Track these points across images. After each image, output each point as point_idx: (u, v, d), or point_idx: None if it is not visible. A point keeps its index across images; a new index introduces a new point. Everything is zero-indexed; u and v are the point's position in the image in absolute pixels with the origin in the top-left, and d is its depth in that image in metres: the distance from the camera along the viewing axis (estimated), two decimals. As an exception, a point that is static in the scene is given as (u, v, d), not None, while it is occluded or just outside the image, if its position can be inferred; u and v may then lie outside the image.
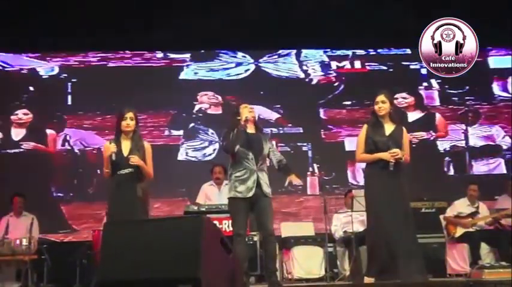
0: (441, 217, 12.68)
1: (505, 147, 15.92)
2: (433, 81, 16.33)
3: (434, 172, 15.67)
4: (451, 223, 12.68)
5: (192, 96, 15.78)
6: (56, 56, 15.45)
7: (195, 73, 15.80)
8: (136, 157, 9.21)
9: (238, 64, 15.97)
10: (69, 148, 15.08)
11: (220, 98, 15.65)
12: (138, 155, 9.27)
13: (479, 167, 15.72)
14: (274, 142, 9.25)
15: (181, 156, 15.32)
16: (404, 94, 16.21)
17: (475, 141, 15.91)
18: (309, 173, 15.22)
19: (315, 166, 15.25)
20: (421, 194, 12.90)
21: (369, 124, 9.24)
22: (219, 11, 14.45)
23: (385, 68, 16.43)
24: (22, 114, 15.17)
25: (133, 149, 9.29)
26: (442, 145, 15.87)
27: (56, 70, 15.34)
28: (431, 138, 15.82)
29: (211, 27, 14.70)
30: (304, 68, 16.21)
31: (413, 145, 14.63)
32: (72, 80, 15.42)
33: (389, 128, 9.13)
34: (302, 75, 16.13)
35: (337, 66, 16.29)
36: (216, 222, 10.19)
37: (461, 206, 12.93)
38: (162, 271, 6.05)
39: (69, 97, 15.40)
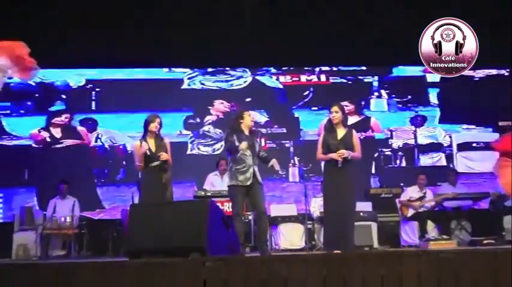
0: (396, 200, 12.71)
1: (445, 144, 15.63)
2: (383, 92, 15.91)
3: (392, 165, 15.45)
4: (404, 205, 12.77)
5: (201, 102, 15.42)
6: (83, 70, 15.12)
7: (202, 83, 15.41)
8: (165, 154, 9.36)
9: (239, 77, 15.54)
10: (100, 144, 15.01)
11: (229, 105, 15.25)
12: (163, 150, 9.41)
13: (425, 160, 15.53)
14: (261, 139, 9.19)
15: (191, 151, 15.06)
16: (346, 103, 15.04)
17: (422, 139, 15.63)
18: (290, 164, 15.05)
19: (296, 158, 15.03)
20: (380, 182, 12.96)
21: (325, 129, 9.31)
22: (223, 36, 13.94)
23: (344, 81, 15.88)
24: (60, 117, 15.02)
25: (158, 147, 9.41)
26: (396, 143, 15.58)
27: (83, 82, 15.16)
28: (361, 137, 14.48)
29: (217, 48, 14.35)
30: (282, 80, 15.80)
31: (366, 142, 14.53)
32: (96, 89, 15.22)
33: (341, 132, 9.15)
34: (281, 86, 15.74)
35: (306, 79, 15.83)
36: (218, 204, 10.22)
37: (412, 191, 13.02)
38: (176, 242, 6.23)
39: (93, 103, 15.16)
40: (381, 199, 12.37)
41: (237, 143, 8.89)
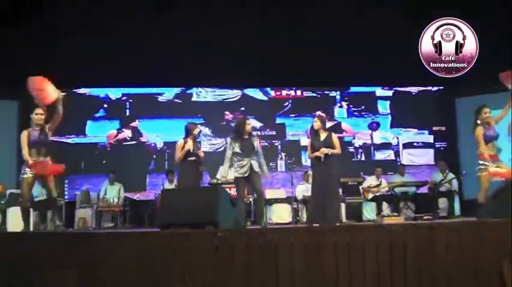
0: (360, 187, 12.64)
1: (394, 143, 15.40)
2: (343, 103, 15.55)
3: (354, 159, 15.38)
4: (365, 190, 12.66)
5: (208, 112, 15.30)
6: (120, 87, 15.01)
7: (204, 97, 15.33)
8: (202, 152, 9.61)
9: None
10: (140, 142, 14.94)
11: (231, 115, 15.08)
12: (199, 149, 9.60)
13: (379, 156, 15.36)
14: (257, 140, 9.09)
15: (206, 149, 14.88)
16: (319, 112, 13.65)
17: (377, 140, 15.42)
18: (278, 158, 14.90)
19: (282, 154, 14.82)
20: (348, 173, 12.92)
21: (311, 134, 9.22)
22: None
23: (314, 94, 15.52)
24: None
25: (195, 146, 9.50)
26: (358, 143, 15.36)
27: (120, 95, 15.14)
28: (344, 136, 15.12)
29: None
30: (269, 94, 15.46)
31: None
32: (130, 100, 15.07)
33: (323, 135, 8.86)
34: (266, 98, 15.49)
35: (286, 93, 15.44)
36: (227, 189, 10.29)
37: (371, 180, 12.96)
38: (196, 217, 6.23)
39: (127, 111, 15.01)
40: (348, 186, 12.27)
41: (234, 150, 8.82)
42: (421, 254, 5.65)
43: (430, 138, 15.50)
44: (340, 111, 15.59)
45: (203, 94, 15.37)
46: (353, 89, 15.75)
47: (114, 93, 15.01)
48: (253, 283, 5.57)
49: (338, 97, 15.68)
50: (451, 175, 12.96)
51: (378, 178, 13.00)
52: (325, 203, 8.63)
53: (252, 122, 14.54)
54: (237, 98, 15.38)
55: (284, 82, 15.44)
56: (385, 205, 12.58)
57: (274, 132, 15.28)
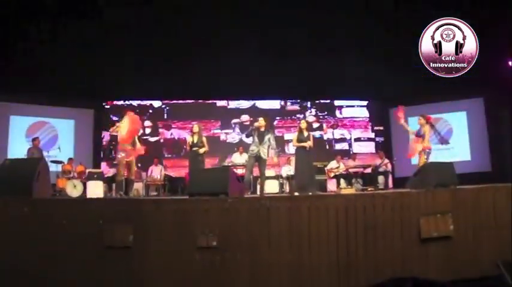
0: (325, 168, 12.55)
1: (348, 138, 15.25)
2: (313, 110, 15.28)
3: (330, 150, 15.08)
4: (329, 171, 12.60)
5: (228, 115, 15.19)
6: (159, 99, 14.90)
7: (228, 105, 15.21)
8: (204, 149, 9.58)
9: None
10: (173, 137, 14.97)
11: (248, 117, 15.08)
12: (202, 142, 9.57)
13: (339, 146, 15.16)
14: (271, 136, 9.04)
15: (222, 137, 14.86)
16: (311, 116, 15.14)
17: (336, 136, 15.19)
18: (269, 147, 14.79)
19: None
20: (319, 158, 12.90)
21: (298, 132, 9.14)
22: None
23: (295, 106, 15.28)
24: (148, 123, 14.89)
25: (199, 140, 9.57)
26: (326, 137, 15.08)
27: (160, 104, 15.02)
28: (322, 134, 14.98)
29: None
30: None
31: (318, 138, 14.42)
32: (167, 107, 15.03)
33: (306, 133, 9.03)
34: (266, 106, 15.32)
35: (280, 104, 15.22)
36: (234, 169, 10.28)
37: (333, 163, 12.89)
38: (213, 188, 6.20)
39: (165, 115, 14.98)
40: (318, 168, 12.06)
41: (252, 136, 8.72)
42: (366, 214, 5.67)
43: (372, 135, 15.50)
44: (310, 117, 15.43)
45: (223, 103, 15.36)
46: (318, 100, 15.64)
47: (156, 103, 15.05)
48: (252, 233, 5.58)
49: (309, 104, 15.55)
50: (386, 160, 13.01)
51: (337, 162, 12.95)
52: (309, 177, 8.90)
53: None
54: (248, 106, 15.34)
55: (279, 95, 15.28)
56: (342, 181, 12.55)
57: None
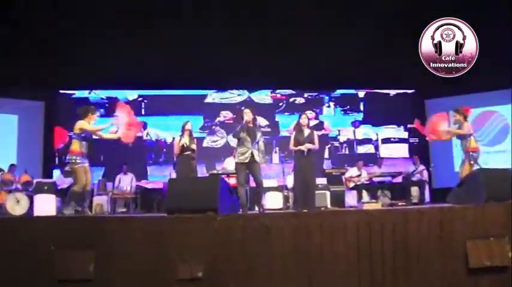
0: (343, 177, 12.56)
1: (374, 139, 15.39)
2: (331, 104, 15.52)
3: (339, 152, 15.38)
4: (347, 180, 12.62)
5: (212, 112, 15.33)
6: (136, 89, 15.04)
7: (213, 99, 15.29)
8: (194, 145, 9.68)
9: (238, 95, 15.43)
10: (149, 138, 14.97)
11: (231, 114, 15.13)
12: (194, 144, 9.66)
13: (361, 150, 15.36)
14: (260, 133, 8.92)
15: (205, 144, 14.96)
16: (310, 111, 14.76)
17: (359, 136, 15.47)
18: (273, 152, 14.87)
19: (277, 148, 14.79)
20: (333, 165, 12.87)
21: (296, 130, 9.13)
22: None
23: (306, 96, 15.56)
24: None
25: (191, 141, 9.63)
26: (342, 138, 15.41)
27: (135, 95, 15.05)
28: (324, 133, 15.16)
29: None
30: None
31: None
32: (145, 101, 15.08)
33: (306, 132, 8.97)
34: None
35: (280, 94, 15.38)
36: (226, 179, 10.28)
37: (353, 171, 12.91)
38: (198, 203, 6.19)
39: (143, 110, 15.03)
40: (332, 176, 12.17)
41: (241, 134, 8.51)
42: (395, 235, 5.65)
43: (405, 135, 15.54)
44: (327, 111, 15.63)
45: (211, 97, 15.43)
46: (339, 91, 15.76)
47: (131, 94, 15.09)
48: (248, 261, 5.56)
49: (327, 98, 15.67)
50: (421, 167, 13.03)
51: (359, 169, 13.00)
52: (306, 192, 8.82)
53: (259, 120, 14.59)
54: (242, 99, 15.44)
55: (281, 84, 15.43)
56: (364, 193, 12.55)
57: (269, 129, 15.11)
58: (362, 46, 13.20)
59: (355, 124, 15.52)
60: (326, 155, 15.31)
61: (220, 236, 5.61)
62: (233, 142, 10.10)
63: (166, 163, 14.44)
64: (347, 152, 15.41)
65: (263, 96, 15.55)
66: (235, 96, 15.43)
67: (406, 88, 15.48)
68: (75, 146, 8.24)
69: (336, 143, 15.50)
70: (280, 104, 15.53)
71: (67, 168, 8.47)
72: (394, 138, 15.55)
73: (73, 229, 5.80)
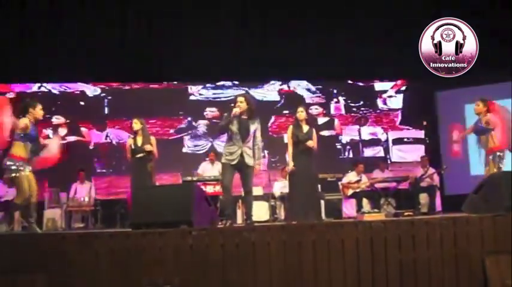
0: (339, 183, 12.55)
1: (383, 139, 15.35)
2: (340, 98, 15.40)
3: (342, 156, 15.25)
4: (345, 186, 12.61)
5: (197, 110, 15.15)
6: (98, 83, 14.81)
7: (200, 94, 15.17)
8: (149, 146, 9.53)
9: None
10: (109, 141, 14.90)
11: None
12: (148, 145, 9.53)
13: (368, 153, 15.29)
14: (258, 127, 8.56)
15: (185, 149, 14.84)
16: (316, 106, 15.30)
17: (365, 136, 15.38)
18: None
19: (265, 151, 13.93)
20: (328, 169, 12.83)
21: (294, 125, 9.00)
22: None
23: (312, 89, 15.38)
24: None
25: (143, 142, 9.58)
26: (345, 139, 15.29)
27: (97, 91, 14.81)
28: (334, 134, 15.19)
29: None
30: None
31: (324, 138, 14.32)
32: (109, 97, 14.87)
33: (305, 128, 8.90)
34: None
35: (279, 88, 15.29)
36: (202, 187, 10.27)
37: (351, 176, 12.89)
38: (169, 216, 6.21)
39: (106, 108, 14.86)
40: (327, 182, 12.12)
41: (230, 127, 8.09)
42: (402, 250, 5.68)
43: (421, 134, 15.50)
44: (336, 107, 15.48)
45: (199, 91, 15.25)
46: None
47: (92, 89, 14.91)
48: (230, 282, 5.57)
49: (335, 91, 15.63)
50: (431, 170, 13.04)
51: (358, 174, 12.97)
52: (306, 200, 8.69)
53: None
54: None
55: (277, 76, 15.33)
56: (365, 201, 12.62)
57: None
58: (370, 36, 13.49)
59: (361, 121, 15.43)
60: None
61: (196, 255, 5.64)
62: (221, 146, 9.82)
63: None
64: (351, 155, 15.36)
65: (265, 91, 15.47)
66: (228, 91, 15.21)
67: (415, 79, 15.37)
68: (17, 149, 7.94)
69: (338, 145, 15.41)
70: (278, 99, 15.45)
71: (6, 176, 8.02)
72: (408, 138, 15.49)
73: (20, 249, 5.77)
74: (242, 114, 8.14)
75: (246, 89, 15.00)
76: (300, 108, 9.12)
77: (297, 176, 8.86)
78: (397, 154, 15.30)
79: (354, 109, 15.53)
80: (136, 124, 9.74)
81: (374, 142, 15.42)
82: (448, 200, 12.98)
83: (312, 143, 8.79)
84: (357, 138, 15.31)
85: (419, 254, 5.70)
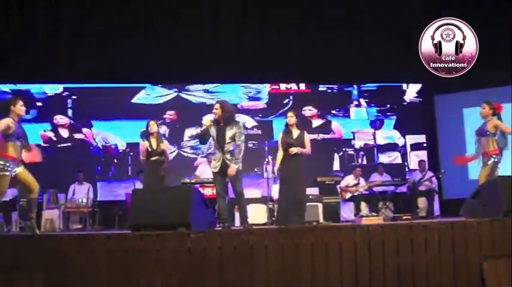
0: (337, 186, 12.50)
1: (400, 144, 14.80)
2: (362, 101, 14.88)
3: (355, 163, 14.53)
4: (343, 190, 12.61)
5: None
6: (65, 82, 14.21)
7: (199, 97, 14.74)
8: (164, 144, 9.49)
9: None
10: (95, 144, 14.45)
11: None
12: (161, 147, 9.40)
13: (384, 159, 14.61)
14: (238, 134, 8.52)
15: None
16: (310, 107, 14.68)
17: (380, 140, 14.83)
18: (265, 162, 12.88)
19: (269, 157, 12.84)
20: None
21: (283, 131, 8.89)
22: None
23: (324, 89, 14.88)
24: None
25: (157, 144, 9.40)
26: (358, 144, 14.76)
27: (59, 89, 14.27)
28: (319, 138, 14.48)
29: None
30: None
31: (321, 141, 14.38)
32: (73, 96, 14.33)
33: (295, 133, 8.74)
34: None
35: (286, 87, 14.76)
36: (200, 189, 10.26)
37: (349, 179, 12.88)
38: (168, 218, 6.22)
39: (69, 109, 14.28)
40: (326, 186, 12.14)
41: (207, 137, 8.24)
42: (400, 254, 5.69)
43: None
44: (357, 111, 15.01)
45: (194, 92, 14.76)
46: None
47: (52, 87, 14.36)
48: (227, 284, 5.57)
49: (356, 92, 15.19)
50: (429, 173, 13.05)
51: (355, 178, 12.95)
52: (293, 203, 8.57)
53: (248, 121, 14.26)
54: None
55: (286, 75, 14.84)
56: (363, 204, 12.55)
57: (260, 132, 14.67)
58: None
59: (376, 124, 14.99)
60: (336, 166, 14.74)
61: (194, 257, 5.64)
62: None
63: (117, 180, 14.17)
64: (364, 161, 14.90)
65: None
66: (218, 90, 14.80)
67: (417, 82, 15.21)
68: (7, 148, 7.40)
69: (350, 151, 14.97)
70: (285, 101, 14.89)
71: None
72: (427, 142, 14.95)
73: (19, 249, 5.77)
74: (219, 121, 8.22)
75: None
76: (290, 113, 9.01)
77: (286, 181, 8.81)
78: (416, 160, 14.52)
79: (379, 114, 15.09)
80: (154, 126, 9.60)
81: (390, 147, 15.01)
82: (446, 204, 13.00)
83: (295, 150, 8.64)
84: (372, 143, 14.91)
85: (417, 258, 5.71)
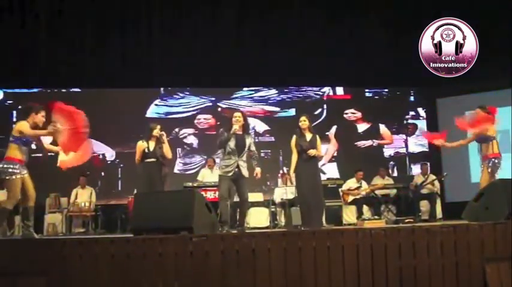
0: (339, 190, 12.54)
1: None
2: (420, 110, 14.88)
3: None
4: (345, 193, 12.60)
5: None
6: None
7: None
8: (166, 146, 9.39)
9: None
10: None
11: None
12: (160, 151, 9.35)
13: (417, 171, 14.16)
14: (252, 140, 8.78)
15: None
16: (353, 109, 14.75)
17: (413, 148, 14.62)
18: (279, 175, 13.49)
19: (285, 169, 13.25)
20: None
21: (297, 135, 8.98)
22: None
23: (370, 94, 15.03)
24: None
25: (156, 146, 9.36)
26: (388, 152, 14.84)
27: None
28: (375, 145, 14.74)
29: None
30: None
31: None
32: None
33: (308, 136, 8.88)
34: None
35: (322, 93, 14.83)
36: (202, 193, 10.24)
37: (351, 182, 12.87)
38: (170, 222, 6.20)
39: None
40: (328, 189, 12.10)
41: (228, 144, 8.41)
42: (402, 258, 5.67)
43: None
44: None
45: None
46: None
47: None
48: (230, 289, 5.57)
49: (412, 98, 15.18)
50: (432, 177, 13.02)
51: (358, 181, 12.96)
52: (313, 205, 8.74)
53: (258, 125, 14.43)
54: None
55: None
56: (365, 208, 12.59)
57: (273, 139, 14.77)
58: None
59: (407, 131, 14.65)
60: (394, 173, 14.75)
61: (196, 261, 5.62)
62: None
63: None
64: (395, 173, 14.80)
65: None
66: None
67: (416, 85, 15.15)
68: (14, 151, 7.57)
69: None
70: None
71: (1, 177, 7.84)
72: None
73: (20, 253, 5.75)
74: (238, 130, 8.51)
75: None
76: (303, 117, 9.15)
77: (302, 185, 8.90)
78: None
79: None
80: (156, 129, 9.50)
81: (423, 155, 14.80)
82: (448, 207, 12.98)
83: (314, 152, 8.83)
84: (403, 151, 14.69)
85: (419, 262, 5.70)
